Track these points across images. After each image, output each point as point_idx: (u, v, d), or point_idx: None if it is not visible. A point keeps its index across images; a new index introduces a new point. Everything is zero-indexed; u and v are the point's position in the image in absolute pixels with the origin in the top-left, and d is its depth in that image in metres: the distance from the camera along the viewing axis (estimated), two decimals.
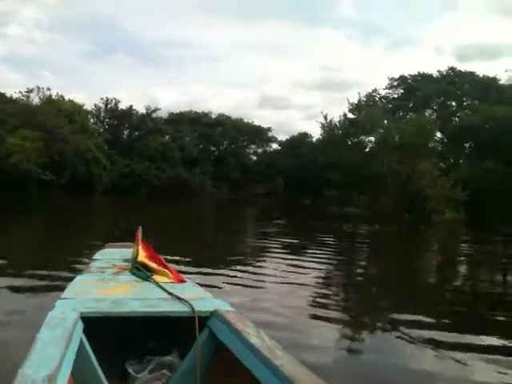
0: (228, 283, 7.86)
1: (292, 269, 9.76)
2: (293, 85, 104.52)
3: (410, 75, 54.71)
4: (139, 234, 3.94)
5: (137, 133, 57.18)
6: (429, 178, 22.71)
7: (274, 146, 68.49)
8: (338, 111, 79.14)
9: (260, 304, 6.63)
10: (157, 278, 3.14)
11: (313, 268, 10.12)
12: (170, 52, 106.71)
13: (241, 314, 2.35)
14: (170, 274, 3.23)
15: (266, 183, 63.64)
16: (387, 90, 54.39)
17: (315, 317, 6.25)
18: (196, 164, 57.02)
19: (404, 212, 21.12)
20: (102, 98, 56.71)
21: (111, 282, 3.12)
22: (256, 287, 7.83)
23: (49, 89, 46.36)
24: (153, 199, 41.31)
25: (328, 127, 28.17)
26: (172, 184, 51.30)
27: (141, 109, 58.91)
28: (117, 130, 56.39)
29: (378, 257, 13.78)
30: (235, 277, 8.59)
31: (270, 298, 7.12)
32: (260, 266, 10.38)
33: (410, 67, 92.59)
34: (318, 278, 9.43)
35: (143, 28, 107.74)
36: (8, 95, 45.45)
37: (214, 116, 66.53)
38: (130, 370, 2.44)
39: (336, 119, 28.40)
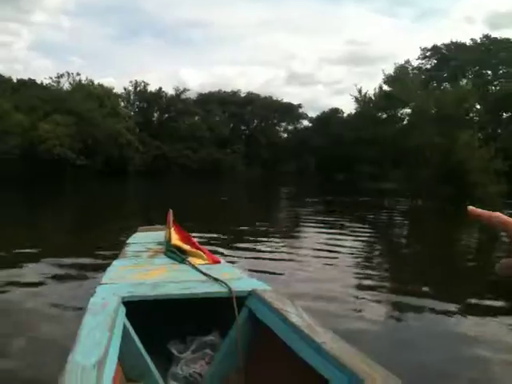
0: (271, 259, 7.85)
1: (340, 243, 9.66)
2: (319, 60, 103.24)
3: (443, 44, 53.02)
4: (170, 217, 4.02)
5: (166, 115, 57.28)
6: (469, 150, 21.83)
7: (305, 122, 67.76)
8: (366, 85, 77.57)
9: (304, 276, 6.65)
10: (191, 259, 3.15)
11: (361, 242, 10.05)
12: (195, 32, 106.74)
13: (278, 293, 2.34)
14: (205, 256, 3.23)
15: (297, 160, 63.15)
16: (420, 61, 52.90)
17: (359, 288, 6.21)
18: (227, 144, 56.91)
19: (445, 186, 20.35)
20: (130, 81, 57.15)
21: (147, 265, 3.15)
22: (299, 261, 7.77)
23: (78, 74, 46.78)
24: (185, 180, 41.41)
25: (362, 101, 27.35)
26: (204, 164, 51.38)
27: (170, 90, 59.01)
28: (147, 113, 56.66)
29: (426, 234, 13.19)
30: (277, 252, 8.60)
31: (313, 271, 7.08)
32: (302, 241, 10.39)
33: (440, 38, 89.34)
34: (366, 253, 9.24)
35: (168, 9, 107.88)
36: (38, 82, 46.00)
37: (242, 95, 66.03)
38: (174, 351, 2.49)
39: (370, 92, 27.65)
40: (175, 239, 3.52)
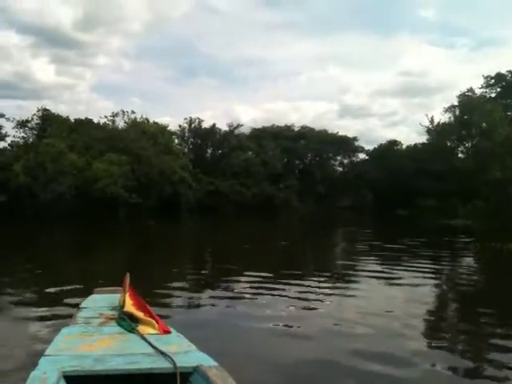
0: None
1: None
2: (373, 93, 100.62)
3: (508, 71, 50.74)
4: (127, 281, 3.96)
5: (220, 151, 56.92)
6: None
7: (361, 155, 65.62)
8: (422, 117, 74.81)
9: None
10: (142, 328, 3.13)
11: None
12: (249, 70, 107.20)
13: (224, 370, 2.31)
14: (156, 325, 3.21)
15: (353, 195, 61.00)
16: (483, 89, 50.56)
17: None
18: (280, 179, 55.72)
19: None
20: (185, 118, 57.24)
21: (96, 334, 3.09)
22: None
23: (133, 112, 47.04)
24: (238, 217, 40.17)
25: (435, 131, 25.34)
26: (257, 200, 50.23)
27: (224, 127, 58.83)
28: (200, 149, 56.55)
29: None
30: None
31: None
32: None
33: (499, 68, 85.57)
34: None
35: (223, 49, 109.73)
36: (95, 121, 46.48)
37: (296, 129, 64.97)
38: None
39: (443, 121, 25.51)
40: (129, 305, 3.49)
